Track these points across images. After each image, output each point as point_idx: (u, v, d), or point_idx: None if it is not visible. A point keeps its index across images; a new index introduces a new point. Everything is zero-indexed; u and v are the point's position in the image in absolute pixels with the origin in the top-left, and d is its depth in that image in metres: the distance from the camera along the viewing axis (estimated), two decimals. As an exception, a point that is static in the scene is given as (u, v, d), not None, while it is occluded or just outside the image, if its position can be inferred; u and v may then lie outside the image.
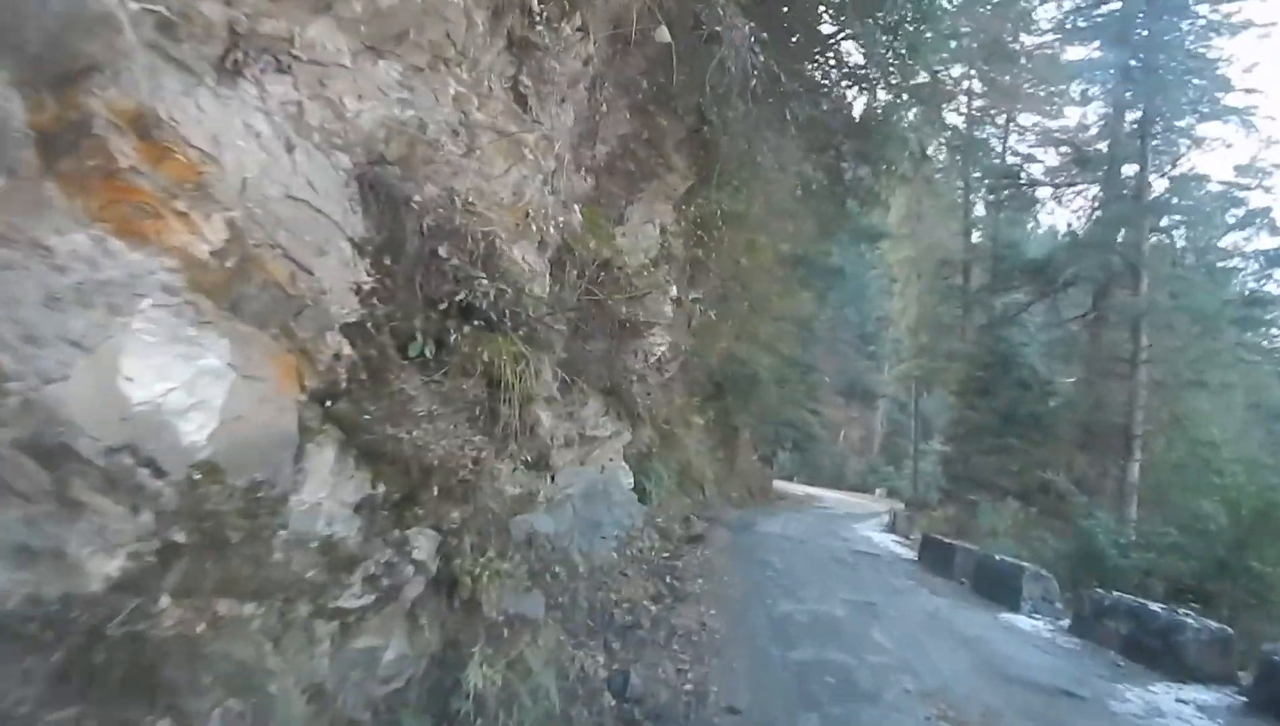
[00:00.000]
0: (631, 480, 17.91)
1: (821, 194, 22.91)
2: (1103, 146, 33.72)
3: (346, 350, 5.08)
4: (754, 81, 12.74)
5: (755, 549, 17.14)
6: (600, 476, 14.79)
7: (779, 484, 41.16)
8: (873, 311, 68.27)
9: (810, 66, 17.12)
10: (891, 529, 26.45)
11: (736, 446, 31.39)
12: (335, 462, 4.87)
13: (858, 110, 20.91)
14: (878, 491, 52.00)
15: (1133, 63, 31.90)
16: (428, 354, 5.64)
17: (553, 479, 8.73)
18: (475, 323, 6.04)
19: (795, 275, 31.34)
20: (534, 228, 8.47)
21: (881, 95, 17.97)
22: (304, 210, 4.93)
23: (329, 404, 4.89)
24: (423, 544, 5.24)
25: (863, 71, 17.95)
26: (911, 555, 19.31)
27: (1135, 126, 31.68)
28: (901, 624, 11.35)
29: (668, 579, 12.75)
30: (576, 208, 10.44)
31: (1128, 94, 31.98)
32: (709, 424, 29.78)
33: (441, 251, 5.88)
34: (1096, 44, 35.29)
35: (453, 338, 5.77)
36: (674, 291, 13.94)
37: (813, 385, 47.11)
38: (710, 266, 16.57)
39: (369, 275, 5.40)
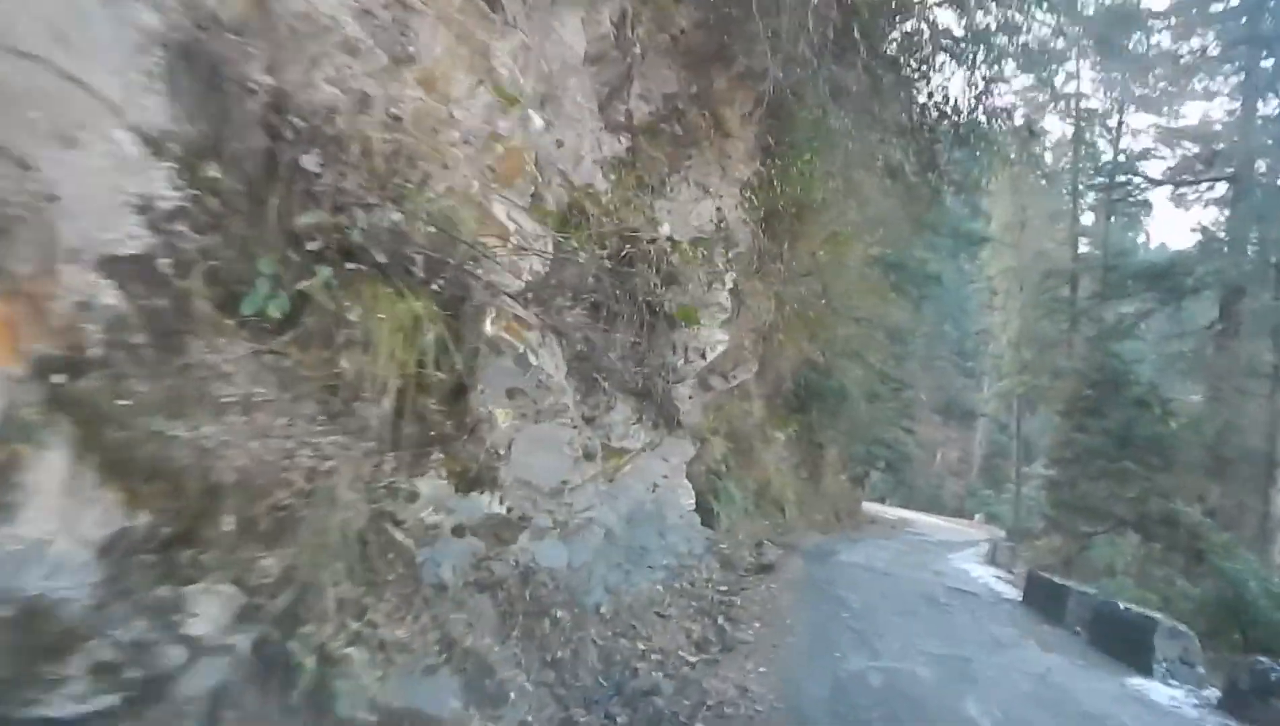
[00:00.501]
0: (692, 500, 15.82)
1: (912, 181, 20.59)
2: (1230, 142, 30.41)
3: (107, 298, 3.15)
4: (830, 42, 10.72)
5: (832, 582, 14.83)
6: (649, 496, 12.75)
7: (869, 506, 38.35)
8: (972, 327, 64.74)
9: (895, 33, 14.83)
10: (991, 561, 23.66)
11: (822, 465, 28.99)
12: (67, 476, 2.94)
13: (955, 87, 18.56)
14: (976, 517, 48.65)
15: (1265, 52, 28.72)
16: (274, 311, 3.68)
17: (501, 500, 6.63)
18: (360, 268, 4.06)
19: (886, 280, 28.86)
20: (527, 179, 6.54)
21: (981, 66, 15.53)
22: (39, 73, 3.04)
23: (63, 380, 2.97)
24: (208, 609, 3.25)
25: (960, 40, 15.53)
26: (1014, 595, 16.62)
27: (1270, 117, 28.41)
28: (1004, 691, 8.90)
29: (719, 620, 10.59)
30: (600, 168, 8.45)
31: (1259, 85, 28.72)
32: (791, 440, 27.52)
33: (310, 164, 3.92)
34: (1218, 36, 32.14)
35: (314, 288, 3.79)
36: (730, 279, 11.81)
37: (907, 402, 44.23)
38: (782, 258, 14.38)
39: (174, 188, 3.46)
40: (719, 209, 11.38)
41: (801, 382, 26.83)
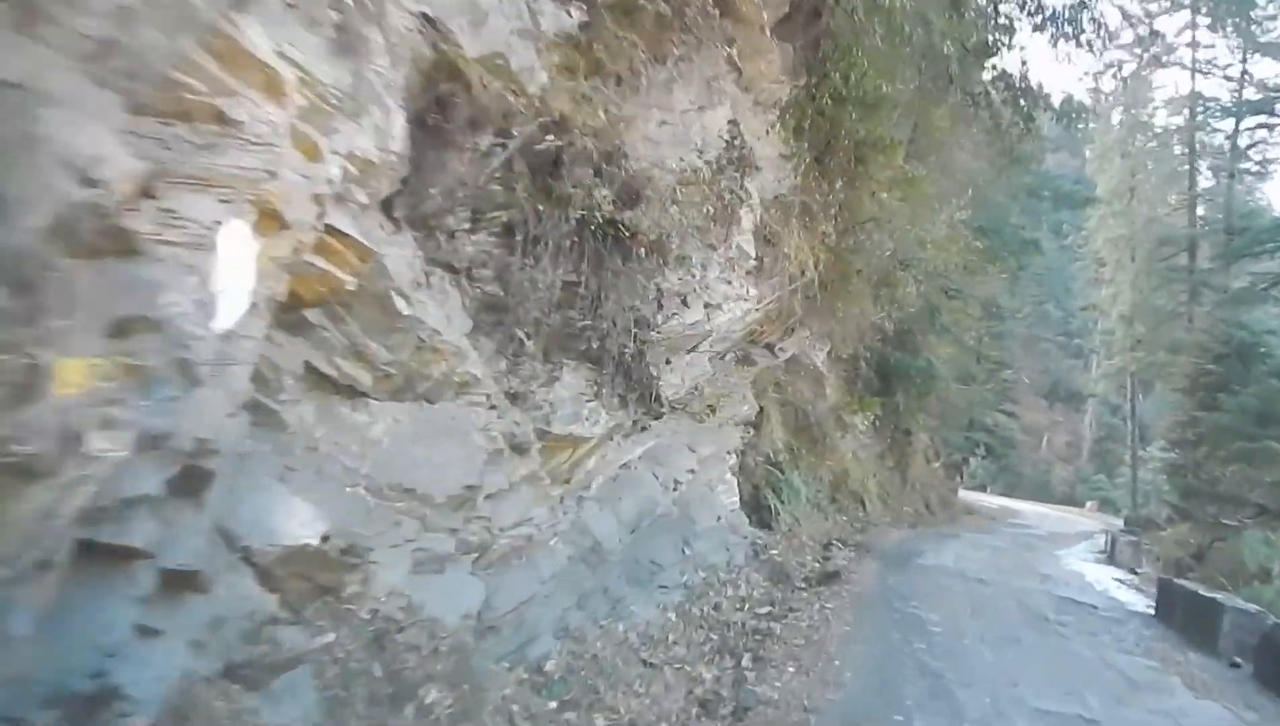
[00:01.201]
0: (735, 498, 13.06)
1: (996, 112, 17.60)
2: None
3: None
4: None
5: (910, 595, 11.82)
6: (668, 497, 10.07)
7: (967, 495, 34.58)
8: (1077, 305, 59.89)
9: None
10: (1110, 559, 20.05)
11: (909, 452, 25.75)
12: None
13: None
14: (1088, 505, 44.28)
15: None
16: None
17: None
18: None
19: (978, 247, 25.47)
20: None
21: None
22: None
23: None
24: None
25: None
26: (1144, 607, 13.29)
27: None
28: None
29: (741, 662, 7.78)
30: (528, 43, 5.76)
31: None
32: (874, 425, 24.41)
33: None
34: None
35: None
36: (752, 217, 9.00)
37: (1008, 384, 40.38)
38: (834, 202, 11.42)
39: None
40: (734, 123, 8.55)
41: (882, 362, 23.69)
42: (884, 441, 24.69)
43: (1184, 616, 11.52)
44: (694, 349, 8.71)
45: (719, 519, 11.59)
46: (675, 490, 10.33)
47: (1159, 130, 42.69)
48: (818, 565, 13.38)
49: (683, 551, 10.04)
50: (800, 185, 10.96)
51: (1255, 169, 37.88)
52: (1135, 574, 17.66)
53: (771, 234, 9.53)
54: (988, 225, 25.60)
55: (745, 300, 9.18)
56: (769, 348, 12.46)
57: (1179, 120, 40.20)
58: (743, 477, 14.84)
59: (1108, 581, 15.89)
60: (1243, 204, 37.26)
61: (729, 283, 8.71)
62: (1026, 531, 26.08)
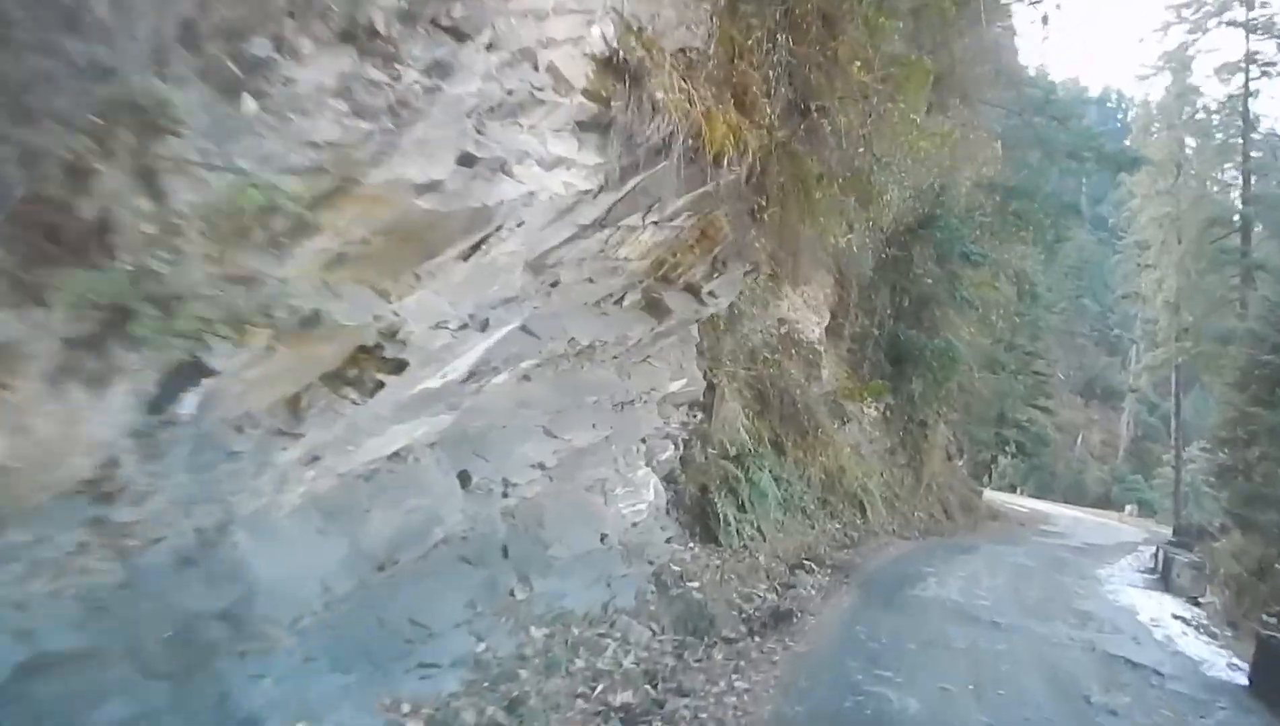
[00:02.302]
0: (648, 505, 9.00)
1: None
2: None
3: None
4: None
5: (884, 656, 7.57)
6: (482, 508, 6.10)
7: (994, 497, 29.71)
8: (1116, 299, 55.35)
9: None
10: (1164, 582, 15.77)
11: (925, 448, 21.39)
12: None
13: None
14: (1127, 509, 39.32)
15: None
16: None
17: None
18: None
19: (1005, 210, 21.17)
20: None
21: None
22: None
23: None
24: None
25: None
26: (1227, 669, 9.17)
27: None
28: None
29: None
30: None
31: None
32: (885, 416, 20.23)
33: None
34: None
35: None
36: (594, 28, 4.94)
37: (1042, 377, 35.77)
38: (775, 63, 7.27)
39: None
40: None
41: (894, 341, 19.48)
42: (895, 435, 20.46)
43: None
44: (480, 247, 4.68)
45: (605, 538, 7.56)
46: (506, 497, 6.35)
47: (1209, 98, 37.73)
48: (771, 599, 9.32)
49: (508, 595, 6.06)
50: (720, 35, 6.90)
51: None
52: (1198, 604, 13.31)
53: (641, 71, 5.46)
54: (1021, 187, 21.34)
55: (570, 166, 5.12)
56: (692, 291, 8.38)
57: (1232, 87, 35.37)
58: (685, 477, 10.84)
59: (1167, 620, 11.46)
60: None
61: (532, 130, 4.68)
62: (1059, 542, 21.58)
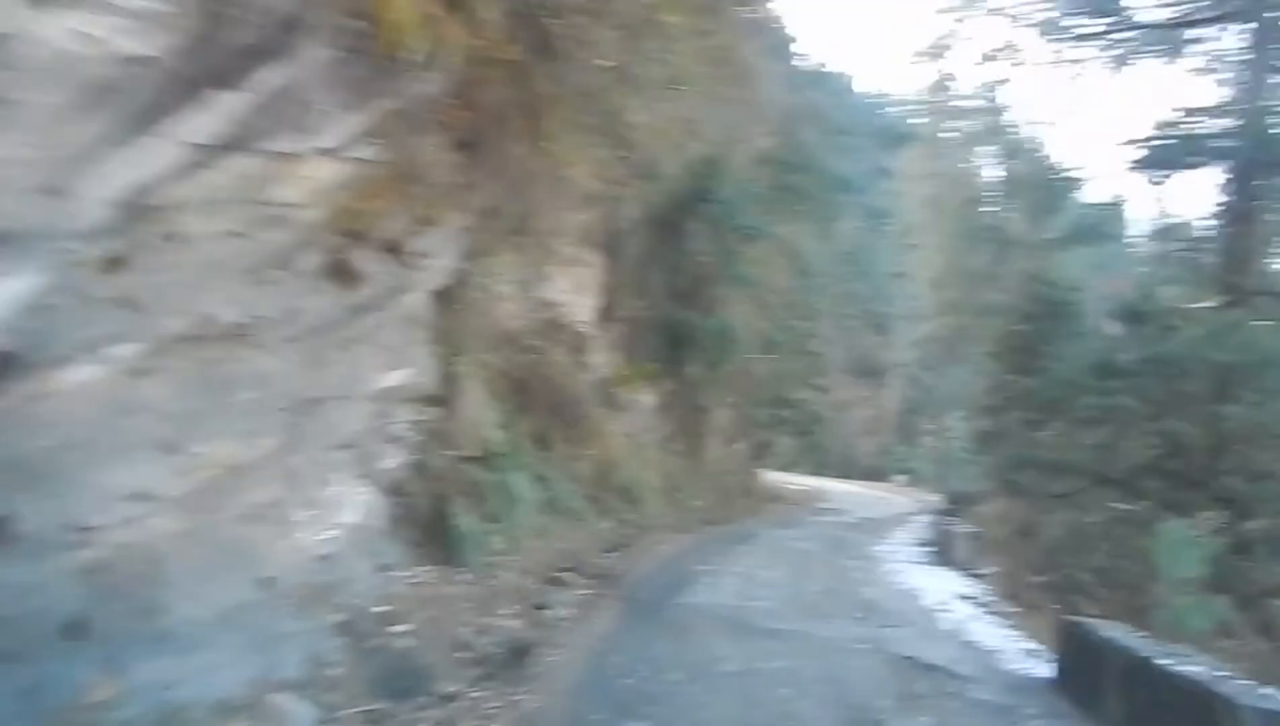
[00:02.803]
0: (339, 529, 6.98)
1: None
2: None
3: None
4: None
5: (637, 696, 6.02)
6: None
7: (773, 478, 29.24)
8: (884, 280, 57.64)
9: None
10: (942, 555, 15.08)
11: (704, 434, 20.31)
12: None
13: None
14: (898, 479, 40.41)
15: None
16: None
17: None
18: None
19: (782, 184, 20.36)
20: None
21: None
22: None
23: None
24: None
25: None
26: (1024, 657, 8.15)
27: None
28: None
29: None
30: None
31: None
32: (663, 403, 18.94)
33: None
34: None
35: None
36: None
37: (817, 357, 35.93)
38: None
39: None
40: None
41: (669, 324, 18.17)
42: (674, 422, 19.22)
43: (1124, 701, 6.22)
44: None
45: (269, 584, 5.54)
46: (78, 549, 4.25)
47: (968, 85, 38.88)
48: (515, 627, 7.59)
49: (74, 700, 3.98)
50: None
51: (1068, 118, 34.46)
52: (978, 576, 12.67)
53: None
54: (797, 161, 20.55)
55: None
56: (393, 251, 6.44)
57: (988, 74, 36.55)
58: (419, 487, 8.91)
59: (954, 603, 10.50)
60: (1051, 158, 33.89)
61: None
62: (837, 519, 21.08)
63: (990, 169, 37.07)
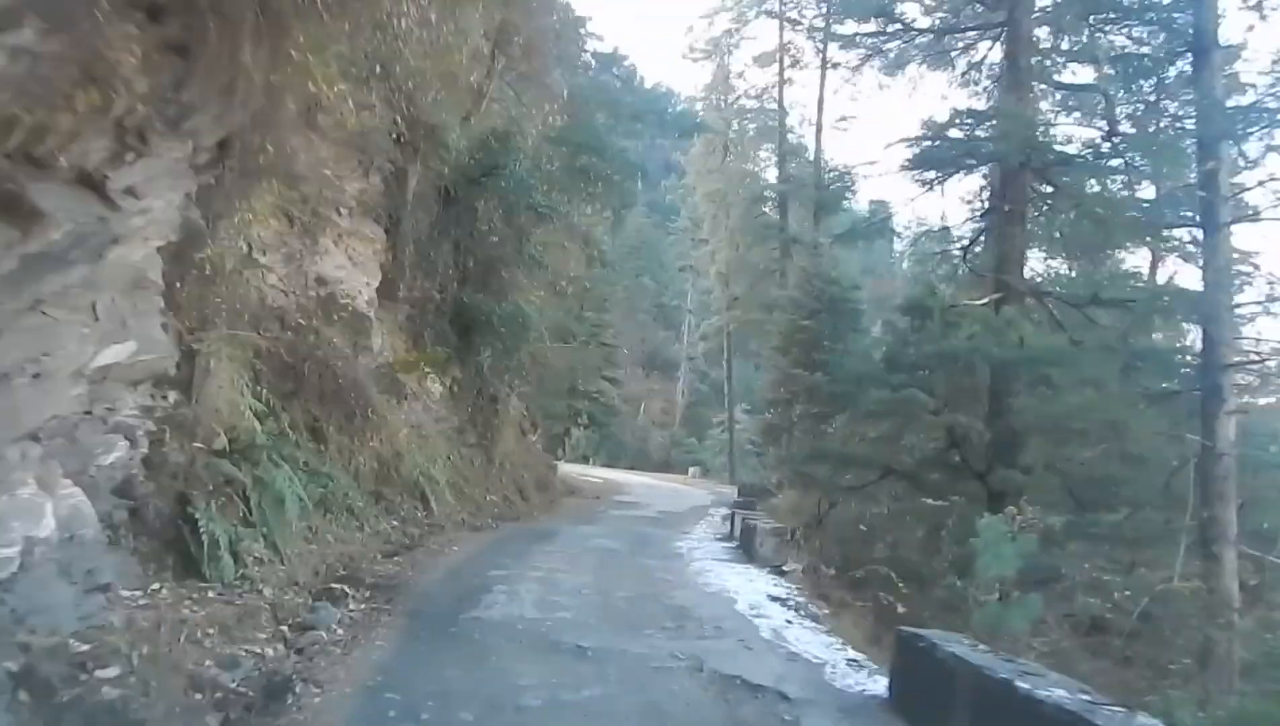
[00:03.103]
0: (52, 534, 5.37)
1: None
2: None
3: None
4: None
5: None
6: None
7: (568, 470, 28.00)
8: (671, 275, 58.45)
9: None
10: (745, 551, 14.04)
11: (497, 424, 19.05)
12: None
13: None
14: (691, 472, 40.55)
15: None
16: None
17: None
18: None
19: (574, 165, 19.41)
20: None
21: None
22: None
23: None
24: None
25: None
26: (851, 669, 7.23)
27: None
28: None
29: None
30: None
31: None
32: (452, 392, 17.57)
33: None
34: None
35: None
36: None
37: (608, 348, 35.46)
38: None
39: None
40: None
41: (460, 308, 16.85)
42: (464, 412, 17.87)
43: (956, 708, 5.64)
44: None
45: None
46: None
47: (749, 84, 39.55)
48: (271, 656, 6.19)
49: None
50: None
51: (841, 124, 35.58)
52: (782, 573, 12.16)
53: None
54: (590, 142, 19.67)
55: None
56: (90, 185, 4.89)
57: (768, 75, 37.31)
58: (154, 485, 7.27)
59: (766, 605, 9.66)
60: (829, 159, 34.95)
61: None
62: (637, 513, 20.36)
63: (771, 168, 37.62)
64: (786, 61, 35.67)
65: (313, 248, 13.08)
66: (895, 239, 34.51)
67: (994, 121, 18.59)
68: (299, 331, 12.22)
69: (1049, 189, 19.17)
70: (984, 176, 20.59)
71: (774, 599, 9.78)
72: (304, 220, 12.93)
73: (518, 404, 21.80)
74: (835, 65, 34.45)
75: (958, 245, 21.69)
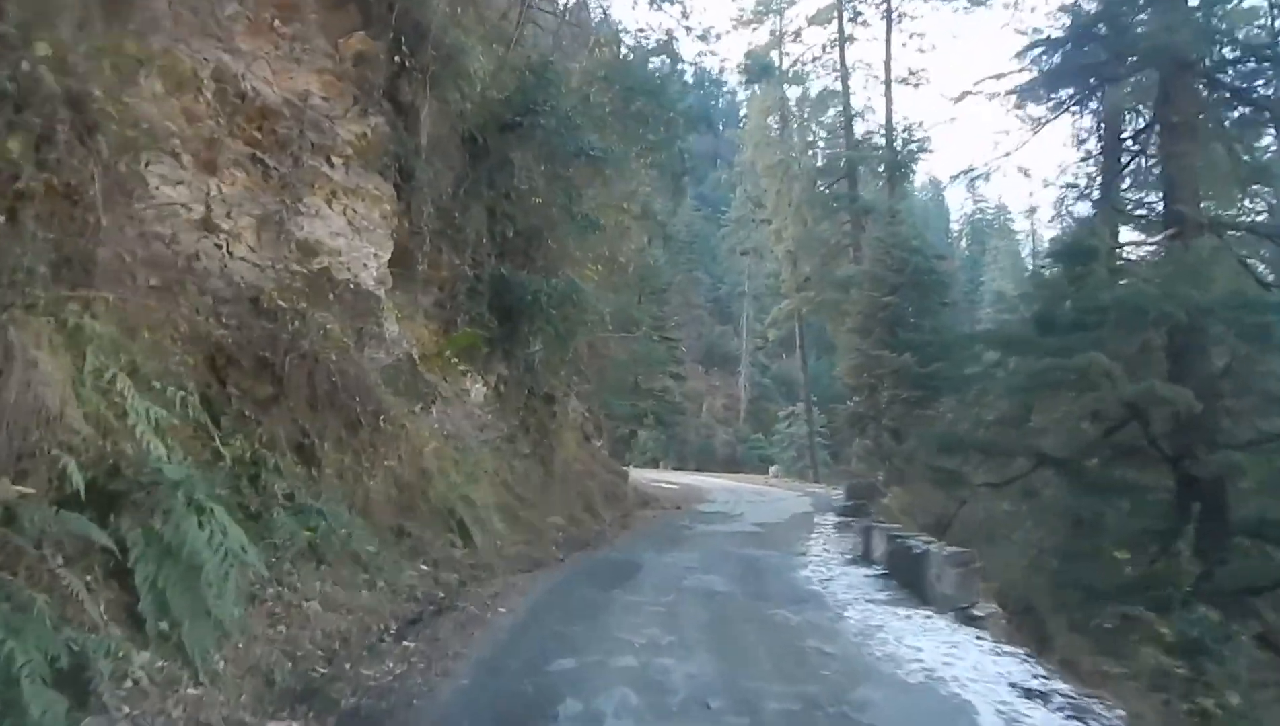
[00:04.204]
0: None
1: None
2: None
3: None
4: None
5: None
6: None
7: (639, 476, 23.70)
8: (724, 269, 55.01)
9: None
10: (900, 579, 9.61)
11: (555, 429, 15.17)
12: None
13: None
14: (772, 470, 36.12)
15: None
16: None
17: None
18: None
19: (628, 109, 15.54)
20: None
21: None
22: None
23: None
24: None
25: None
26: None
27: None
28: None
29: None
30: None
31: None
32: (500, 394, 13.91)
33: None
34: None
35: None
36: None
37: (671, 341, 31.61)
38: None
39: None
40: None
41: (500, 287, 13.05)
42: (514, 417, 14.12)
43: None
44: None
45: None
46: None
47: (806, 46, 35.24)
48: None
49: None
50: None
51: (911, 79, 31.21)
52: (975, 620, 8.04)
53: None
54: (645, 83, 15.84)
55: None
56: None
57: (827, 33, 33.08)
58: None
59: (1016, 702, 5.68)
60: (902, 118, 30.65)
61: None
62: (730, 527, 16.04)
63: (837, 134, 33.37)
64: (846, 16, 31.63)
65: (296, 207, 9.51)
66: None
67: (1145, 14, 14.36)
68: (279, 317, 8.64)
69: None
70: (1093, 113, 16.49)
71: (1027, 693, 5.68)
72: (281, 171, 9.34)
73: (577, 404, 17.99)
74: (901, 15, 30.44)
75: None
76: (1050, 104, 16.93)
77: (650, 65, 17.82)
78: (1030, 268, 42.08)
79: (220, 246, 8.68)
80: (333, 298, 9.84)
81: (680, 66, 16.81)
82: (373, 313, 10.33)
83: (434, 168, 11.43)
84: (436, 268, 12.33)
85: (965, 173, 21.99)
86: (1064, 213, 19.30)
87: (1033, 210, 51.08)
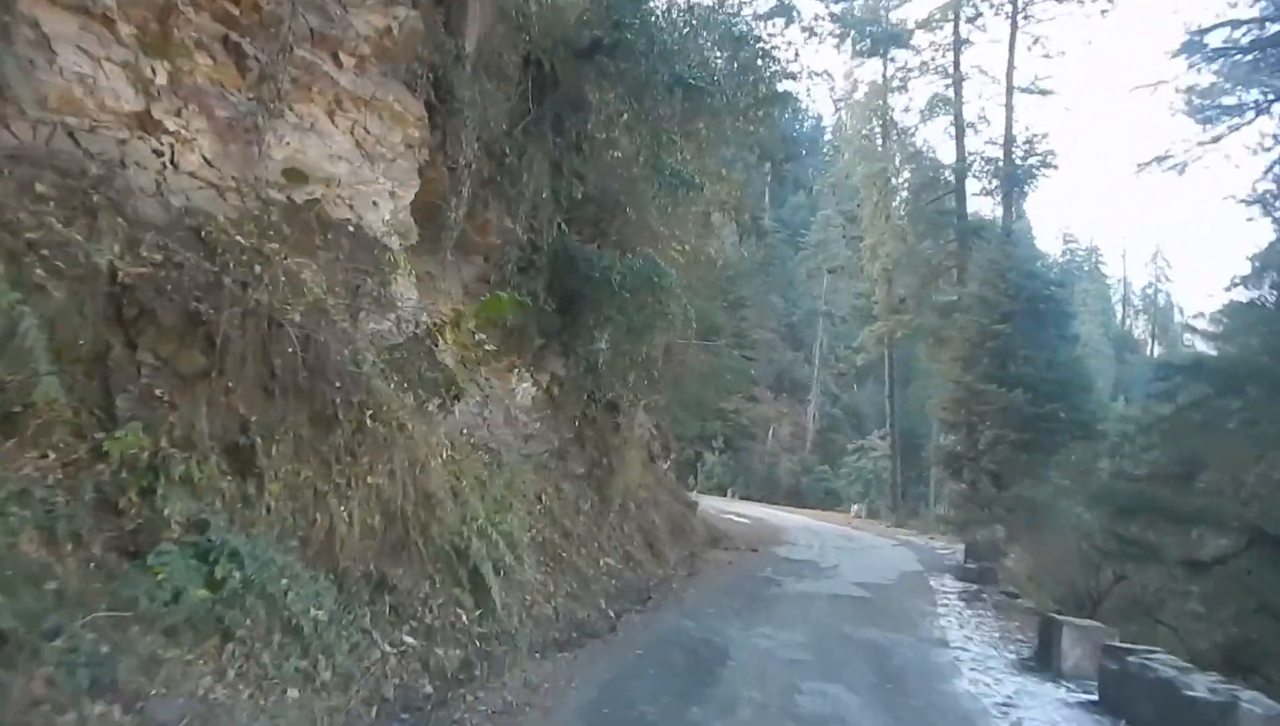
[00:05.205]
0: None
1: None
2: None
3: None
4: None
5: None
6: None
7: (706, 506, 20.10)
8: (800, 297, 51.88)
9: None
10: (1118, 709, 6.15)
11: (617, 447, 11.82)
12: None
13: None
14: (855, 509, 32.19)
15: None
16: None
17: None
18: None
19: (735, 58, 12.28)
20: None
21: None
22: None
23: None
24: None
25: None
26: None
27: None
28: None
29: None
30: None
31: None
32: (553, 397, 10.78)
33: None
34: None
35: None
36: None
37: (748, 359, 28.18)
38: None
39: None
40: None
41: (560, 262, 9.87)
42: (568, 427, 10.93)
43: None
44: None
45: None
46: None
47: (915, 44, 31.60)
48: None
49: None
50: None
51: (1034, 86, 27.49)
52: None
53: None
54: (746, 33, 12.63)
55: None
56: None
57: (940, 36, 29.56)
58: None
59: None
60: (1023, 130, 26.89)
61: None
62: (829, 588, 12.13)
63: (946, 144, 29.77)
64: (963, 17, 28.16)
65: (280, 113, 6.57)
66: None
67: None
68: (227, 256, 5.67)
69: None
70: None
71: None
72: (263, 62, 6.41)
73: (645, 418, 14.71)
74: (1028, 17, 26.77)
75: None
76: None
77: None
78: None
79: (161, 153, 5.78)
80: (321, 242, 6.83)
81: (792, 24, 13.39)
82: (378, 268, 7.25)
83: (482, 88, 8.35)
84: (481, 229, 9.26)
85: (1159, 160, 17.66)
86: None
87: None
